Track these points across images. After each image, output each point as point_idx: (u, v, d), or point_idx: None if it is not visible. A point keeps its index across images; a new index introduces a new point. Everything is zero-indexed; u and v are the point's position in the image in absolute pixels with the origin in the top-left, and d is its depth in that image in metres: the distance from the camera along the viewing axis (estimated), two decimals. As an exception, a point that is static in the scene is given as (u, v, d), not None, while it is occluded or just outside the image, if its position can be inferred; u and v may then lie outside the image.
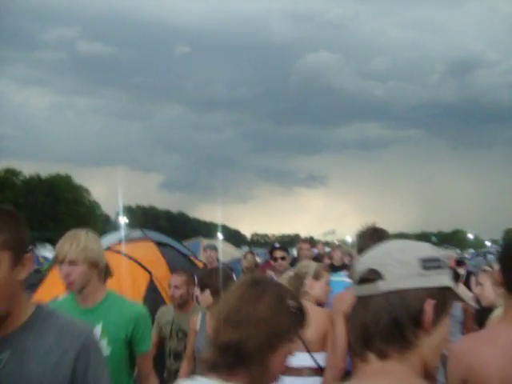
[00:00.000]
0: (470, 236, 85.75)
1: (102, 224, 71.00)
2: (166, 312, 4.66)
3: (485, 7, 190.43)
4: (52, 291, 5.25)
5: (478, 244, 70.79)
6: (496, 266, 2.33)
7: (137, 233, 7.47)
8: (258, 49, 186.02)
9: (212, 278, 3.86)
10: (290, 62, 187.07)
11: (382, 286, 1.19)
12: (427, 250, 1.25)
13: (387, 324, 1.17)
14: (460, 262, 9.01)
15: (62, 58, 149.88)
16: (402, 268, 1.19)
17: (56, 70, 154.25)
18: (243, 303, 1.55)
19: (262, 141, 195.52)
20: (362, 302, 1.23)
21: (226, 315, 1.55)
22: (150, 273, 5.70)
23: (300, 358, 3.03)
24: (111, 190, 78.10)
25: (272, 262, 6.19)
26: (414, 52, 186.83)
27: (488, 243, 64.75)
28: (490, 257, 16.53)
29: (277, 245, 6.26)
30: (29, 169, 70.13)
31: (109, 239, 8.21)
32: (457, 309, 4.72)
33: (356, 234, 3.38)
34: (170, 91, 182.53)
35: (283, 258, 5.91)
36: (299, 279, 3.70)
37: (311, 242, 7.29)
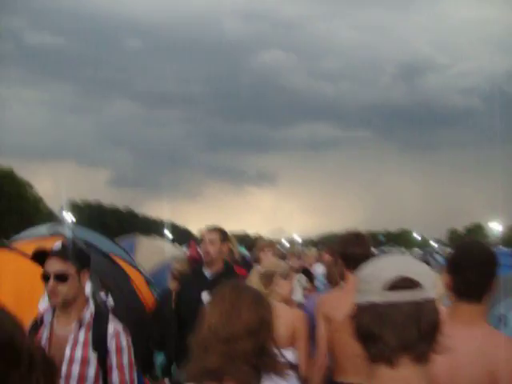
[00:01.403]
0: (416, 236, 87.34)
1: (46, 220, 68.86)
2: None
3: (435, 11, 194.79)
4: None
5: (424, 243, 72.20)
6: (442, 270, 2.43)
7: (53, 228, 6.56)
8: (210, 46, 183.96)
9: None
10: (242, 59, 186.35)
11: (421, 294, 1.31)
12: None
13: (429, 329, 1.30)
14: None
15: (8, 48, 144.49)
16: (431, 279, 1.36)
17: (1, 61, 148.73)
18: None
19: (213, 138, 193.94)
20: (393, 307, 1.30)
21: None
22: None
23: None
24: (57, 186, 75.58)
25: None
26: (365, 54, 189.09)
27: (433, 243, 66.21)
28: (438, 257, 16.37)
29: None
30: (-32, 162, 66.88)
31: (30, 233, 7.31)
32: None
33: (340, 239, 3.59)
34: (119, 85, 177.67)
35: None
36: (268, 278, 3.80)
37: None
